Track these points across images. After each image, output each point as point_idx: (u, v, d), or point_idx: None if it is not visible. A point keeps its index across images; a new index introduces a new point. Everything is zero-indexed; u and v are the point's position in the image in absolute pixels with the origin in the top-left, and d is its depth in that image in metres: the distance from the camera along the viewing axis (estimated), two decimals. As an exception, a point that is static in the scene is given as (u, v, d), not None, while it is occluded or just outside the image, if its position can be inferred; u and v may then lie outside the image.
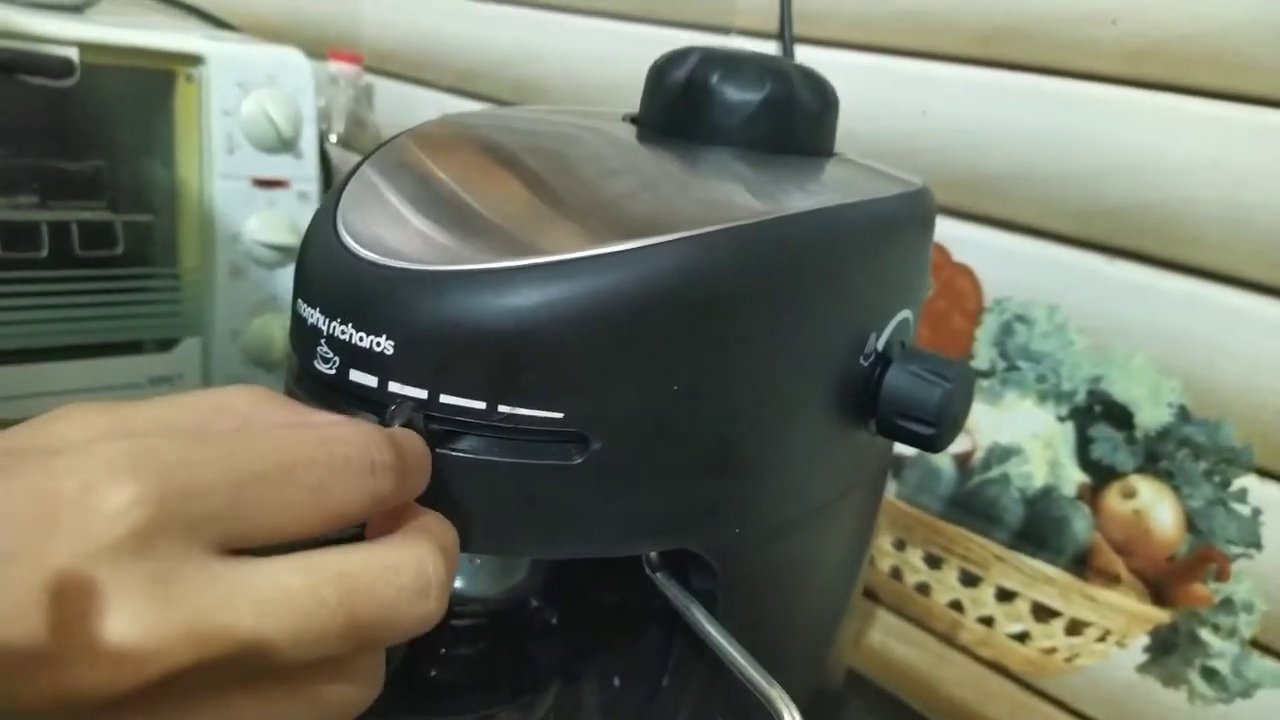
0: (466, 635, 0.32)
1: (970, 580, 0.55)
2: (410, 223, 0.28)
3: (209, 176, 0.67)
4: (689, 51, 0.35)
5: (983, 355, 0.53)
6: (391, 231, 0.27)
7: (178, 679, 0.18)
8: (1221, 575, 0.46)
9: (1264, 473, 0.44)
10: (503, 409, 0.25)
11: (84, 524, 0.18)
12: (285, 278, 0.72)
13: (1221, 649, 0.46)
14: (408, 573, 0.21)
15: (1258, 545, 0.45)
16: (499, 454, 0.26)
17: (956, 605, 0.55)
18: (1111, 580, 0.49)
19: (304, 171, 0.71)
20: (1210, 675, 0.47)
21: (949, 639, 0.56)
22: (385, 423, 0.25)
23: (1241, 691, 0.46)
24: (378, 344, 0.25)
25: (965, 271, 0.53)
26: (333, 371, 0.26)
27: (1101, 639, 0.50)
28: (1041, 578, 0.52)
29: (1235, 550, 0.45)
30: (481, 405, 0.25)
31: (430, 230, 0.27)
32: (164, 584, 0.18)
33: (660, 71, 0.36)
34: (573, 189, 0.30)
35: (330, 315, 0.26)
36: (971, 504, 0.54)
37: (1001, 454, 0.53)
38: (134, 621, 0.18)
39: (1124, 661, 0.49)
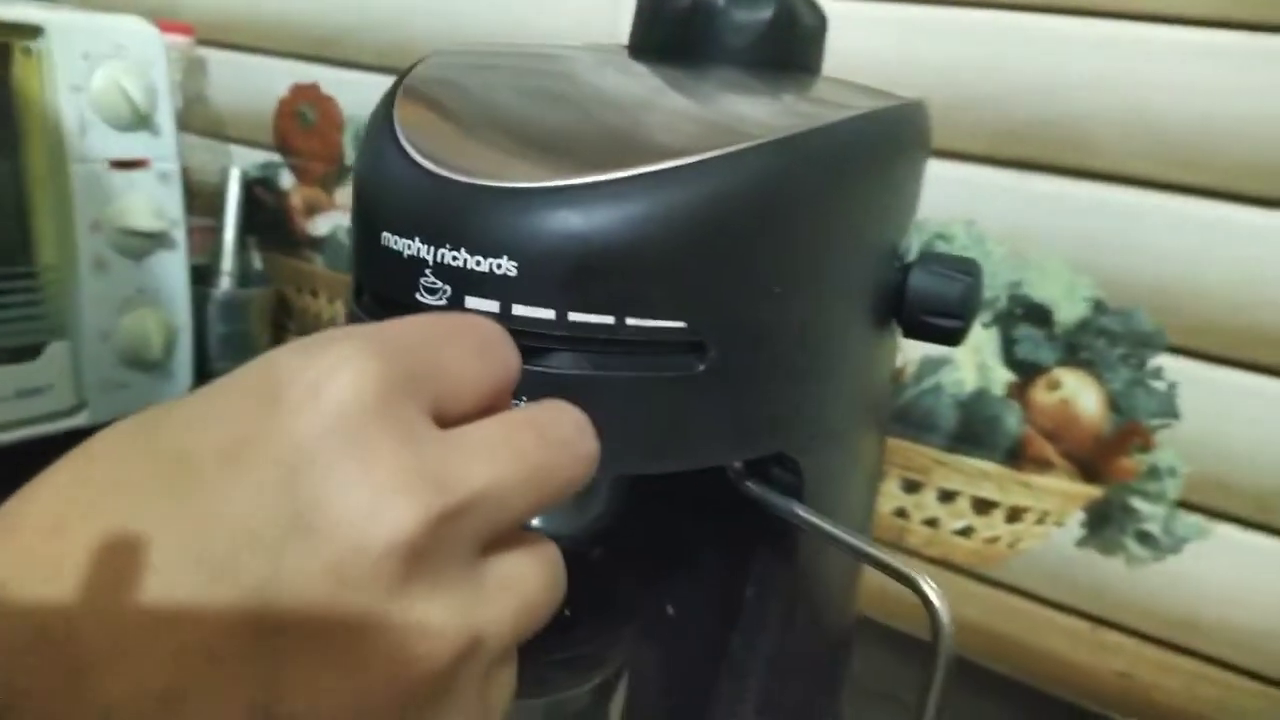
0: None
1: (912, 487, 0.58)
2: (483, 144, 0.26)
3: (61, 162, 0.61)
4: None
5: (907, 274, 0.56)
6: (469, 154, 0.26)
7: (427, 547, 0.18)
8: (1145, 446, 0.51)
9: (1176, 350, 0.50)
10: (630, 322, 0.25)
11: (317, 394, 0.18)
12: (156, 267, 0.66)
13: (1152, 513, 0.51)
14: (567, 414, 0.21)
15: (1175, 415, 0.50)
16: (621, 369, 0.25)
17: (901, 513, 0.59)
18: (1044, 466, 0.54)
19: (164, 149, 0.66)
20: (1144, 538, 0.52)
21: (896, 545, 0.59)
22: None
23: (1171, 548, 0.51)
24: (498, 266, 0.24)
25: (884, 196, 0.56)
26: (443, 302, 0.24)
27: (1040, 521, 0.55)
28: (979, 474, 0.56)
29: (1156, 423, 0.50)
30: (610, 320, 0.24)
31: (513, 151, 0.26)
32: (410, 444, 0.18)
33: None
34: (628, 109, 0.29)
35: (436, 242, 0.24)
36: (908, 416, 0.57)
37: (933, 365, 0.56)
38: (386, 486, 0.17)
39: (1063, 539, 0.54)
